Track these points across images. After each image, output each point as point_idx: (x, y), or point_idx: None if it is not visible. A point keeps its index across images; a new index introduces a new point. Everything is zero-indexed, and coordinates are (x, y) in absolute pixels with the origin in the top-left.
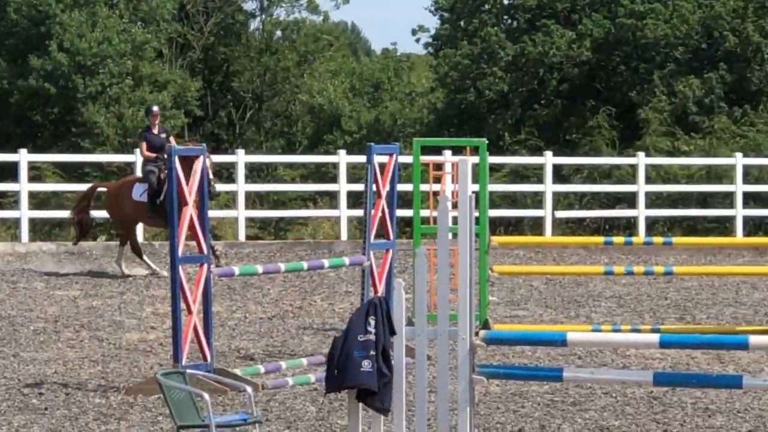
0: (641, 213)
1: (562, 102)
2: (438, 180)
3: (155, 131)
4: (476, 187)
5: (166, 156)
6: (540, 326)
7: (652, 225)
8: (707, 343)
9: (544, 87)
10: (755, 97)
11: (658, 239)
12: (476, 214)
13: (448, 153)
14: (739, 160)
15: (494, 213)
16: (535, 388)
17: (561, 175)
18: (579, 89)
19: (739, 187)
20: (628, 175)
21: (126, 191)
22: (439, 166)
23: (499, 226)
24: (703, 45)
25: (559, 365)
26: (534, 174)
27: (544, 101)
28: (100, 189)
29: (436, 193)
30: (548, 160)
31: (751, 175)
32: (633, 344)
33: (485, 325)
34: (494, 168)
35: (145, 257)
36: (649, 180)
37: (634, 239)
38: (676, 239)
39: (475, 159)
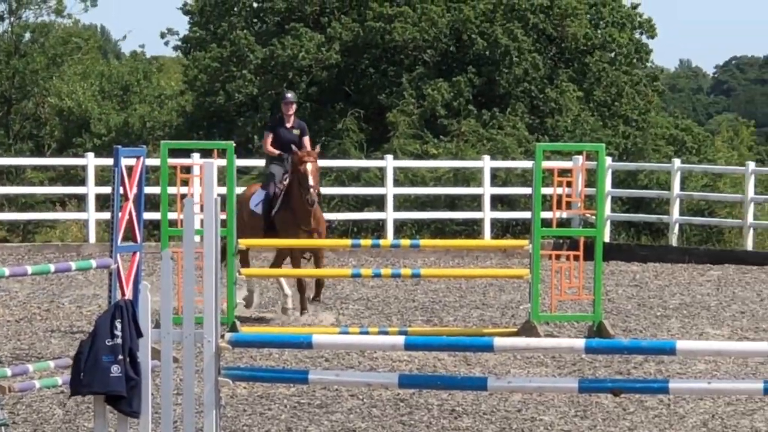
0: (389, 216)
1: (312, 105)
2: (186, 183)
3: (288, 124)
4: (224, 190)
5: (293, 156)
6: (287, 329)
7: (401, 227)
8: (453, 345)
9: (293, 90)
10: (503, 100)
11: (406, 242)
12: (223, 216)
13: (196, 156)
14: (486, 163)
15: None
16: (282, 390)
17: None
18: (328, 92)
19: (487, 190)
20: (377, 177)
21: (246, 199)
22: (187, 169)
23: None
24: (451, 48)
25: (306, 368)
26: None
27: None
28: None
29: (183, 196)
30: None
31: (498, 177)
32: (379, 346)
33: (233, 328)
34: (243, 171)
35: (285, 286)
36: (397, 183)
37: (381, 242)
38: (423, 241)
39: (223, 162)
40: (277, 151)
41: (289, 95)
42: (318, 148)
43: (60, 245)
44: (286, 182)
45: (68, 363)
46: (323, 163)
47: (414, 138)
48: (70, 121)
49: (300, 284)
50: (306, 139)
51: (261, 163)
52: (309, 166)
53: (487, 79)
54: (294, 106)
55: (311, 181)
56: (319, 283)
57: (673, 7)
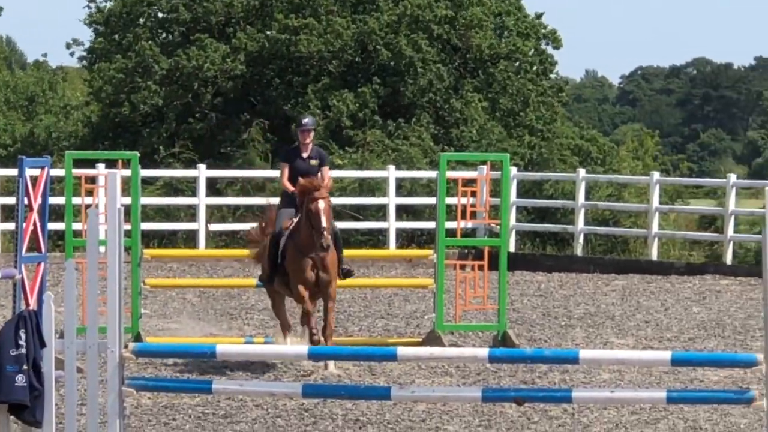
0: None
1: (217, 115)
2: (90, 193)
3: (305, 153)
4: (129, 200)
5: (299, 187)
6: (192, 339)
7: None
8: (357, 355)
9: (198, 100)
10: (408, 110)
11: None
12: (128, 227)
13: (101, 166)
14: (391, 173)
15: (148, 226)
16: (186, 400)
17: (215, 188)
18: (234, 103)
19: (392, 200)
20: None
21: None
22: (92, 180)
23: (153, 239)
24: (357, 59)
25: (210, 378)
26: (188, 187)
27: (199, 114)
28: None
29: (88, 206)
30: (202, 173)
31: (403, 187)
32: (282, 356)
33: (137, 338)
34: (148, 181)
35: (288, 339)
36: None
37: None
38: None
39: (128, 172)
40: (291, 188)
41: (307, 120)
42: (329, 182)
43: None
44: (294, 221)
45: None
46: (227, 173)
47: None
48: None
49: (307, 317)
50: (325, 170)
51: (167, 173)
52: (321, 204)
53: (392, 89)
54: (312, 134)
55: (324, 222)
56: (328, 329)
57: (579, 17)
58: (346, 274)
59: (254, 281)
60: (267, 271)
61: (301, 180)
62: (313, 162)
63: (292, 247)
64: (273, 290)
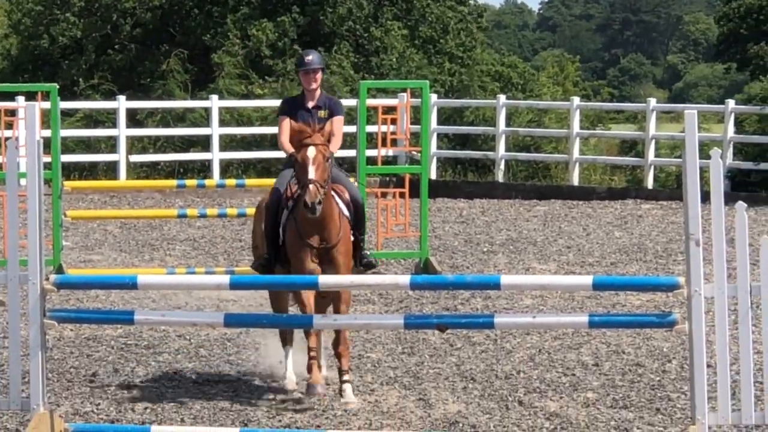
0: (215, 156)
1: (136, 47)
2: (10, 126)
3: (311, 102)
4: (48, 133)
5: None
6: (114, 270)
7: (227, 168)
8: (278, 284)
9: (117, 32)
10: (328, 39)
11: (231, 181)
12: (48, 159)
13: (21, 99)
14: None
15: (68, 158)
16: (109, 332)
17: (135, 119)
18: (153, 34)
19: None
20: (202, 118)
21: (262, 210)
22: (12, 112)
23: (74, 171)
24: None
25: (133, 308)
26: (108, 119)
27: (118, 46)
28: None
29: (8, 139)
30: (121, 104)
31: None
32: (204, 286)
33: (59, 270)
34: (68, 113)
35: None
36: (222, 123)
37: (206, 182)
38: (249, 181)
39: (47, 104)
40: (292, 149)
41: (311, 57)
42: (332, 130)
43: None
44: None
45: None
46: (147, 104)
47: (239, 78)
48: None
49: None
50: (336, 122)
51: (87, 104)
52: (310, 152)
53: (311, 18)
54: (319, 76)
55: (311, 173)
56: (341, 342)
57: None
58: (367, 265)
59: (175, 212)
60: (263, 253)
61: (293, 124)
62: (322, 113)
63: (293, 226)
64: None
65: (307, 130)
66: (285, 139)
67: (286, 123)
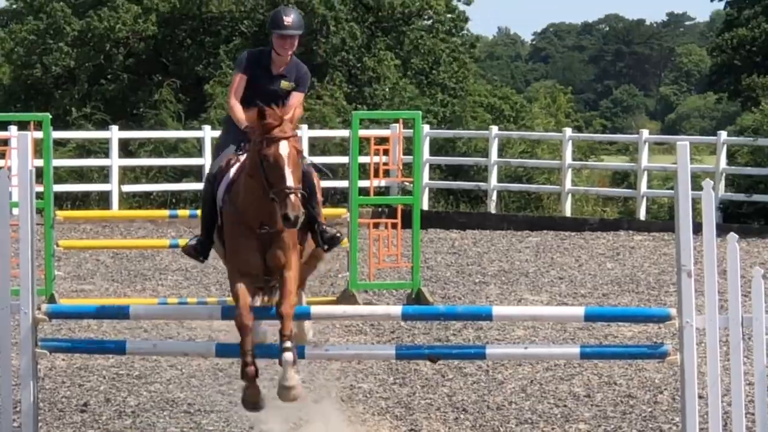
0: None
1: (129, 76)
2: (2, 155)
3: (278, 69)
4: (41, 162)
5: (250, 120)
6: (106, 300)
7: None
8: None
9: (110, 62)
10: (321, 69)
11: None
12: (41, 188)
13: (13, 128)
14: (304, 132)
15: (60, 188)
16: (101, 362)
17: (128, 149)
18: (146, 64)
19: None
20: (195, 148)
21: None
22: (4, 142)
23: (66, 200)
24: (269, 18)
25: (124, 338)
26: (100, 148)
27: (111, 76)
28: None
29: (0, 168)
30: (114, 134)
31: (317, 146)
32: (196, 316)
33: (51, 300)
34: (60, 143)
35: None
36: None
37: (198, 212)
38: None
39: (39, 134)
40: (241, 116)
41: (290, 20)
42: (296, 114)
43: None
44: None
45: None
46: (139, 134)
47: None
48: None
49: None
50: (295, 97)
51: (79, 134)
52: (283, 149)
53: (304, 48)
54: (296, 42)
55: (290, 180)
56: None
57: None
58: (330, 241)
59: (168, 242)
60: (202, 237)
61: (258, 105)
62: (285, 84)
63: (232, 210)
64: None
65: (276, 116)
66: (236, 99)
67: (242, 82)
